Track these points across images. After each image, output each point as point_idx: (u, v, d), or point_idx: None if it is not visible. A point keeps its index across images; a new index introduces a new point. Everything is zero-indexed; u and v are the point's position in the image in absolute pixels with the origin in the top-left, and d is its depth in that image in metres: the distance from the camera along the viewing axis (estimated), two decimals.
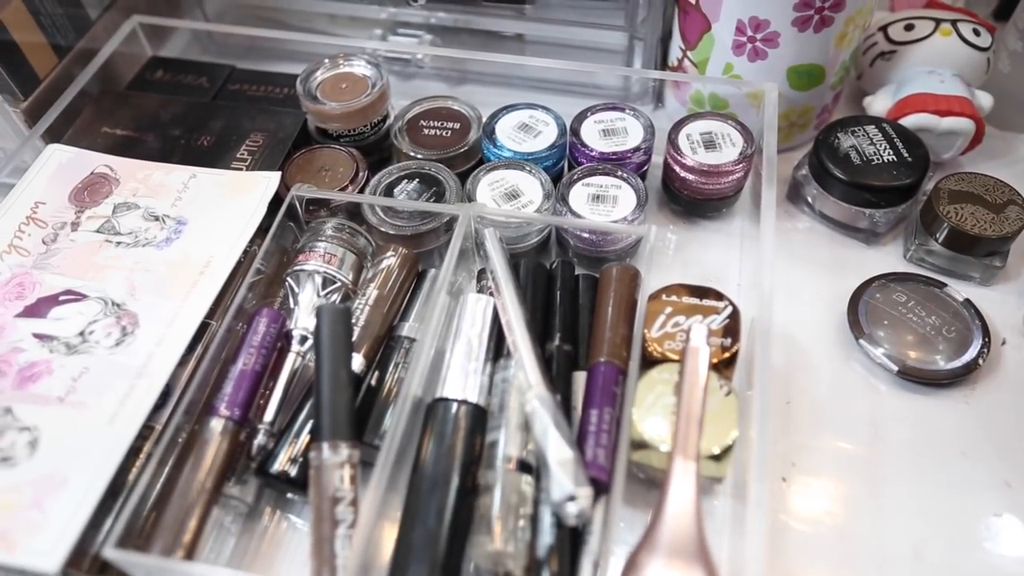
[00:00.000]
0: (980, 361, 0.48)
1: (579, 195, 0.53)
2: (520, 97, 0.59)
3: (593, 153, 0.54)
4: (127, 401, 0.41)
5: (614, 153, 0.54)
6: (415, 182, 0.54)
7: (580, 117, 0.57)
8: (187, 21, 0.71)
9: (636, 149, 0.55)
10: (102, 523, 0.39)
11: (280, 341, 0.46)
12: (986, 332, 0.49)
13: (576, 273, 0.49)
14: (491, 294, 0.47)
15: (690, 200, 0.56)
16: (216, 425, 0.42)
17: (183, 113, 0.58)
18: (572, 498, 0.37)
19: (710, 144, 0.55)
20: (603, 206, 0.52)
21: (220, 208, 0.51)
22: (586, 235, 0.52)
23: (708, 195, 0.56)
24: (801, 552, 0.42)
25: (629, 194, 0.53)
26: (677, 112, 0.64)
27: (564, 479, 0.37)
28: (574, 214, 0.51)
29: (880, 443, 0.46)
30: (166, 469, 0.41)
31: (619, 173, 0.53)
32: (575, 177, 0.53)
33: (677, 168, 0.55)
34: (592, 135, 0.56)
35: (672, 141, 0.55)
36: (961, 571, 0.41)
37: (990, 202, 0.52)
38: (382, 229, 0.52)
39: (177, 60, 0.67)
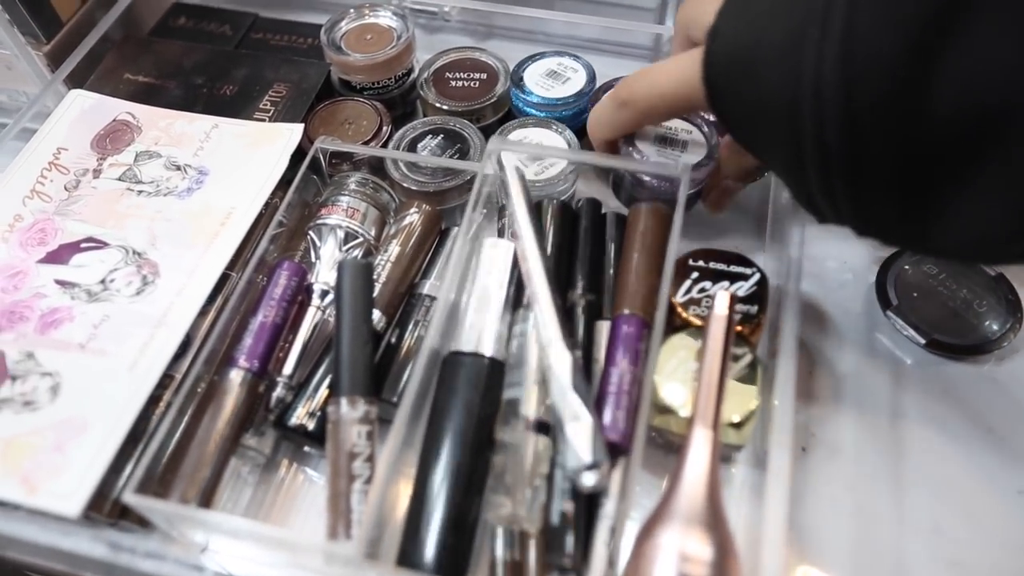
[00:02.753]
0: (1012, 336, 0.47)
1: (646, 135, 0.49)
2: (553, 52, 0.58)
3: None
4: (147, 350, 0.41)
5: None
6: (439, 138, 0.54)
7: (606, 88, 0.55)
8: None
9: None
10: (122, 469, 0.40)
11: (300, 295, 0.46)
12: (1017, 307, 0.48)
13: (603, 212, 0.48)
14: (512, 235, 0.44)
15: None
16: (235, 376, 0.42)
17: (206, 61, 0.57)
18: (589, 468, 0.36)
19: None
20: (671, 150, 0.49)
21: (242, 159, 0.50)
22: (653, 181, 0.48)
23: None
24: (816, 523, 0.42)
25: (699, 139, 0.49)
26: None
27: (581, 448, 0.36)
28: (640, 154, 0.48)
29: (903, 417, 0.46)
30: (185, 418, 0.41)
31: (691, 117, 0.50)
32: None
33: None
34: None
35: None
36: (980, 548, 0.41)
37: None
38: (405, 185, 0.51)
39: (200, 7, 0.66)
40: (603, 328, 0.43)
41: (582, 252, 0.46)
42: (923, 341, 0.47)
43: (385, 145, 0.54)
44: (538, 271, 0.42)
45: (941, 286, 0.49)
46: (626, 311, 0.42)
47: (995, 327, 0.47)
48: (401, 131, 0.54)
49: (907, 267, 0.50)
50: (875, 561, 0.41)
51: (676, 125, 0.50)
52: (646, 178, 0.48)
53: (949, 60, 0.27)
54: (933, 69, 0.27)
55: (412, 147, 0.53)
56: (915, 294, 0.49)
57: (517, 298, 0.43)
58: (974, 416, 0.46)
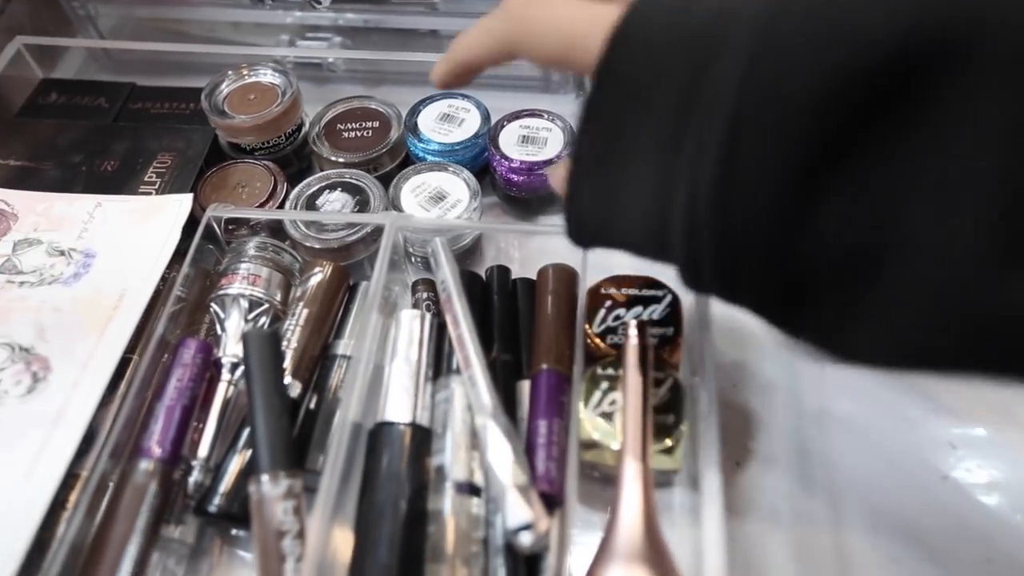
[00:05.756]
0: None
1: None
2: (441, 95, 0.58)
3: (515, 164, 0.53)
4: (44, 452, 0.39)
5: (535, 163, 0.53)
6: (337, 191, 0.52)
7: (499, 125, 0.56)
8: (78, 39, 0.67)
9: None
10: None
11: (209, 371, 0.44)
12: None
13: (512, 279, 0.48)
14: (427, 307, 0.45)
15: None
16: (146, 466, 0.39)
17: (83, 138, 0.55)
18: (525, 527, 0.35)
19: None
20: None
21: (131, 236, 0.48)
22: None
23: None
24: (758, 534, 0.42)
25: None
26: None
27: (520, 508, 0.36)
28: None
29: (828, 416, 0.46)
30: (97, 518, 0.38)
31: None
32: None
33: None
34: (510, 143, 0.54)
35: None
36: (916, 539, 0.42)
37: None
38: (307, 244, 0.50)
39: (72, 81, 0.63)
40: (524, 387, 0.43)
41: (496, 316, 0.46)
42: None
43: (282, 205, 0.52)
44: (471, 335, 0.42)
45: None
46: (544, 367, 0.42)
47: None
48: (297, 189, 0.53)
49: None
50: (818, 568, 0.41)
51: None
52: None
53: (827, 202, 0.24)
54: (809, 211, 0.25)
55: (310, 204, 0.52)
56: None
57: (436, 367, 0.43)
58: (890, 405, 0.47)
